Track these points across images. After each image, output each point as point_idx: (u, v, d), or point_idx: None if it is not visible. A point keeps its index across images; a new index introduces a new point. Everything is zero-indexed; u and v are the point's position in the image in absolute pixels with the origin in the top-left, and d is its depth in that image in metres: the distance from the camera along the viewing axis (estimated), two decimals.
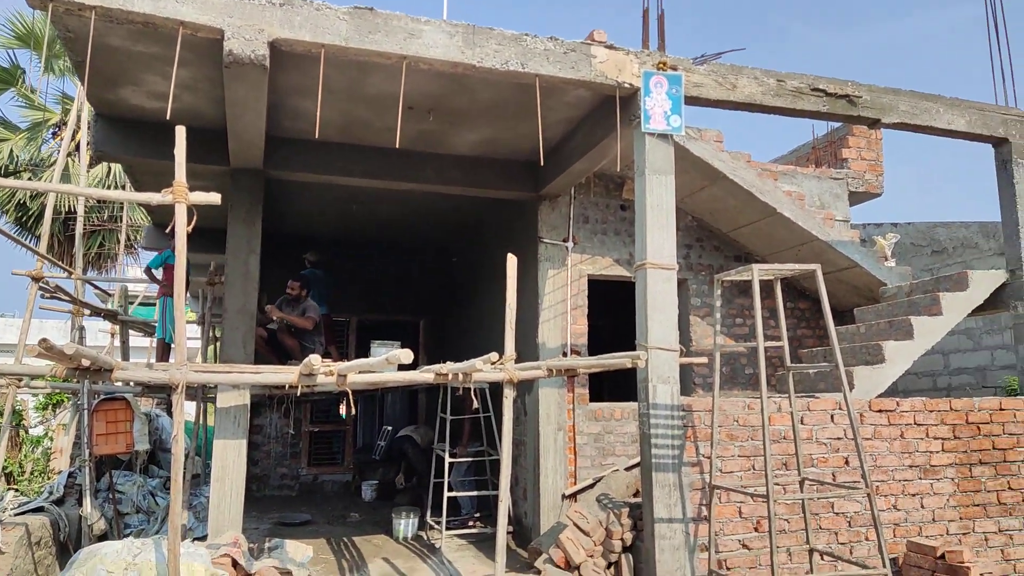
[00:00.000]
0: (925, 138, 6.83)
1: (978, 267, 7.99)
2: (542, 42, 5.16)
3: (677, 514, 4.85)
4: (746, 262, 7.74)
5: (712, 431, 4.75)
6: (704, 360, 5.94)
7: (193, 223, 4.30)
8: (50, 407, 13.28)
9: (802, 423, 5.26)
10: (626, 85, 5.35)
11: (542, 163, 5.95)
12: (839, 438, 5.40)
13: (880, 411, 5.57)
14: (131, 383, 7.06)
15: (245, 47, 4.47)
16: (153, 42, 4.80)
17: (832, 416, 5.41)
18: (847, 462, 5.38)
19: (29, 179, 13.50)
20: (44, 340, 3.39)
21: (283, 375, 4.64)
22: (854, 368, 5.91)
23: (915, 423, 5.65)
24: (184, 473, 7.34)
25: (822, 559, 5.05)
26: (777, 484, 5.05)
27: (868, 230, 10.32)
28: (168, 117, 4.76)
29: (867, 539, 5.32)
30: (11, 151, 14.21)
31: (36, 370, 4.30)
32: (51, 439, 11.76)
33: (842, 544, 5.25)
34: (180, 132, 4.19)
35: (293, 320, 7.74)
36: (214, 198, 4.28)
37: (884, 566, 4.22)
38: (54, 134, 14.80)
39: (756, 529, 5.06)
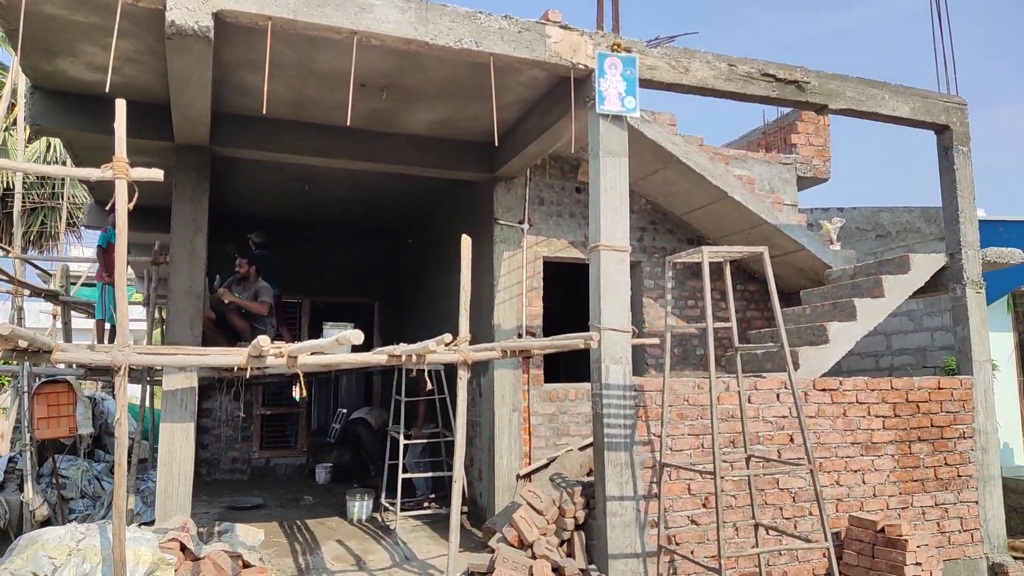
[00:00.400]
0: (872, 124, 6.99)
1: (920, 251, 8.24)
2: (496, 20, 5.11)
3: (628, 492, 4.93)
4: (699, 244, 7.83)
5: (663, 410, 4.82)
6: (656, 341, 6.03)
7: (135, 200, 4.16)
8: None
9: (749, 402, 5.39)
10: (581, 66, 5.34)
11: (496, 143, 5.91)
12: (784, 416, 5.54)
13: (824, 390, 5.73)
14: (72, 365, 6.86)
15: (188, 18, 4.32)
16: (91, 11, 4.60)
17: (778, 395, 5.54)
18: (792, 439, 5.53)
19: None
20: None
21: (231, 357, 4.54)
22: (799, 348, 6.06)
23: (857, 401, 5.83)
24: (130, 457, 7.20)
25: (767, 533, 5.20)
26: (725, 461, 5.17)
27: (815, 214, 10.55)
28: (108, 90, 4.59)
29: (811, 514, 5.48)
30: None
31: None
32: None
33: (787, 519, 5.40)
34: (120, 105, 4.04)
35: (246, 305, 7.59)
36: (156, 174, 4.14)
37: (826, 539, 4.36)
38: None
39: (704, 505, 5.18)
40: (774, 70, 5.97)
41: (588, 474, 6.33)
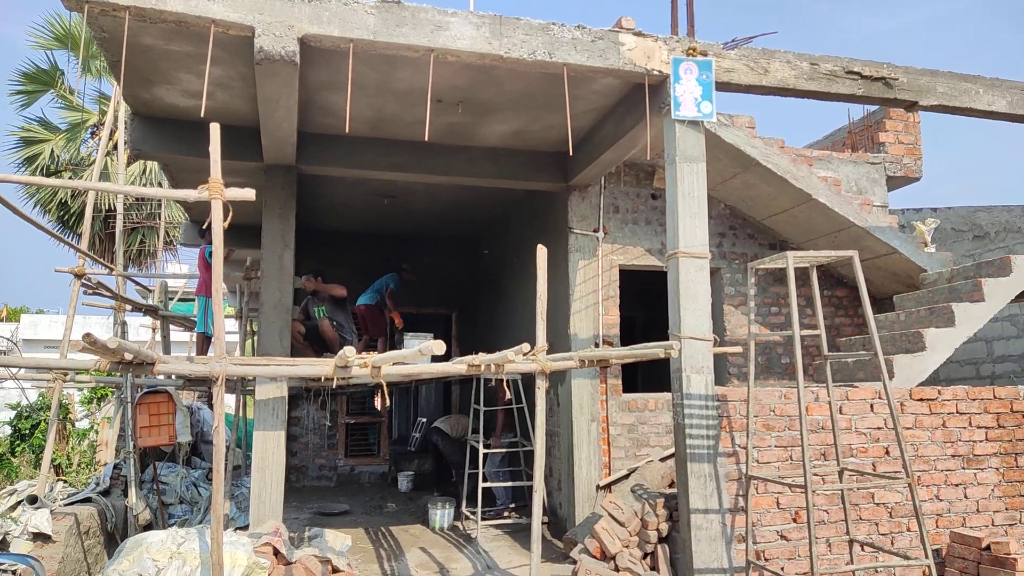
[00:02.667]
0: (965, 120, 6.63)
1: (1022, 252, 7.75)
2: (569, 31, 5.13)
3: (713, 504, 4.82)
4: (781, 250, 7.62)
5: (748, 421, 4.69)
6: (739, 349, 5.86)
7: (229, 219, 4.37)
8: (95, 401, 13.65)
9: (841, 413, 5.18)
10: (655, 72, 5.29)
11: (571, 153, 5.92)
12: (879, 428, 5.30)
13: (921, 400, 5.45)
14: (172, 376, 7.23)
15: (275, 44, 4.52)
16: (186, 41, 4.87)
17: (871, 405, 5.31)
18: (888, 452, 5.29)
19: (70, 178, 13.87)
20: (88, 335, 3.48)
21: (319, 367, 4.70)
22: (894, 356, 5.79)
23: (957, 412, 5.52)
24: (225, 464, 7.53)
25: (862, 550, 4.97)
26: (816, 474, 4.99)
27: (907, 215, 10.08)
28: (202, 115, 4.85)
29: (909, 530, 5.22)
30: (52, 151, 14.58)
31: (81, 364, 4.43)
32: (96, 432, 12.09)
33: (883, 535, 5.16)
34: (214, 129, 4.26)
35: (327, 289, 7.90)
36: (248, 194, 4.34)
37: (927, 557, 4.14)
38: (92, 134, 15.14)
39: (795, 520, 5.00)
40: (859, 67, 5.76)
41: (670, 486, 6.22)
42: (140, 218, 15.05)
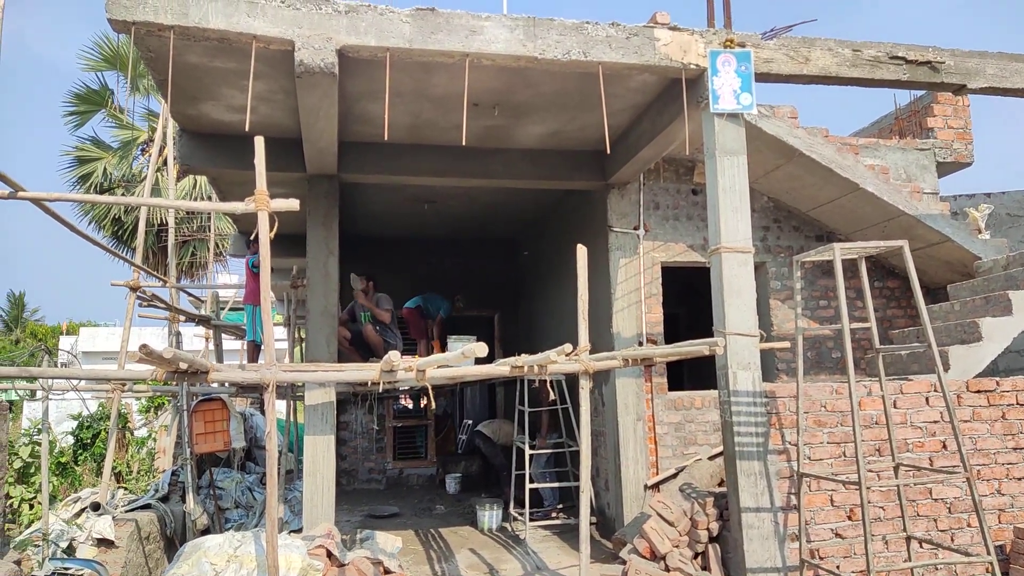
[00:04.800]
0: (1019, 101, 6.40)
1: None
2: (603, 29, 5.11)
3: (765, 503, 4.74)
4: (828, 241, 7.46)
5: (798, 417, 4.61)
6: (786, 345, 5.77)
7: (275, 229, 4.48)
8: (152, 409, 14.08)
9: (895, 407, 5.05)
10: (692, 66, 5.24)
11: (608, 151, 5.89)
12: (935, 421, 5.16)
13: (979, 392, 5.28)
14: (226, 384, 7.43)
15: (315, 56, 4.61)
16: (229, 57, 5.01)
17: (927, 399, 5.16)
18: (945, 446, 5.14)
19: (122, 195, 14.33)
20: (144, 346, 3.60)
21: (366, 372, 4.77)
22: (949, 348, 5.62)
23: (1018, 403, 5.33)
24: (278, 468, 7.70)
25: (920, 547, 4.84)
26: (870, 471, 4.87)
27: (959, 202, 9.77)
28: (247, 128, 4.97)
29: (969, 525, 5.06)
30: (104, 169, 15.10)
31: (138, 374, 4.57)
32: (154, 440, 12.47)
33: (942, 531, 5.01)
34: (259, 143, 4.36)
35: (373, 309, 8.01)
36: (293, 204, 4.44)
37: (988, 553, 4.00)
38: (143, 151, 15.62)
39: (849, 517, 4.89)
40: (903, 52, 5.61)
41: (719, 484, 6.14)
42: (191, 231, 15.48)
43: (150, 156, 14.31)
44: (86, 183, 15.21)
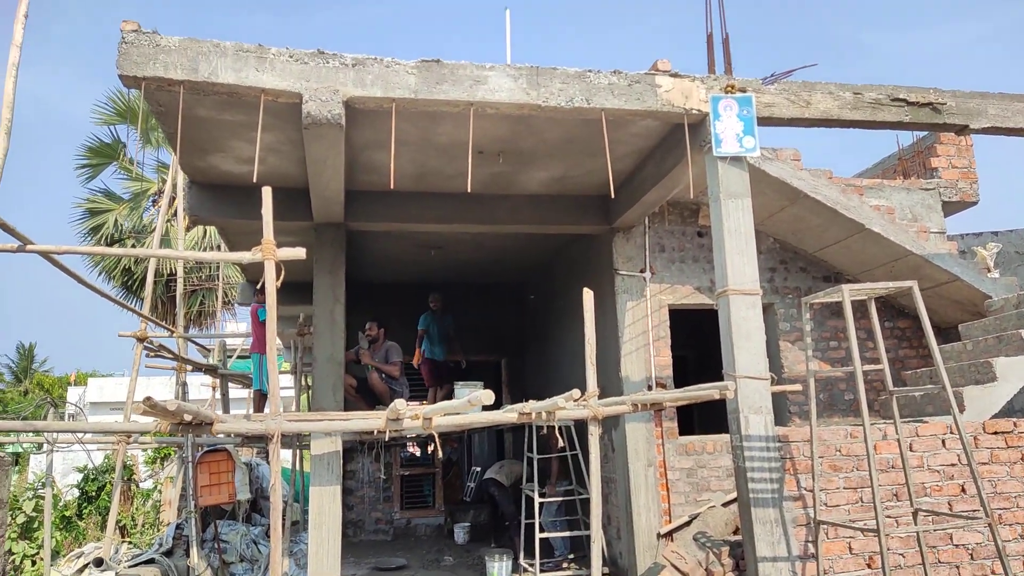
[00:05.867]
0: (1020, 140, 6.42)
1: None
2: (606, 76, 5.19)
3: (782, 552, 4.62)
4: (836, 282, 7.44)
5: (812, 462, 4.51)
6: (798, 387, 5.68)
7: (282, 278, 4.48)
8: (158, 461, 13.97)
9: (911, 450, 4.95)
10: (694, 111, 5.29)
11: (613, 195, 5.92)
12: (953, 464, 5.04)
13: (996, 433, 5.18)
14: (231, 435, 7.37)
15: (322, 108, 4.68)
16: (237, 110, 5.09)
17: (943, 441, 5.06)
18: (963, 490, 5.01)
19: (133, 246, 14.47)
20: (148, 398, 3.57)
21: (372, 421, 4.72)
22: (963, 388, 5.54)
23: None
24: (284, 520, 7.58)
25: None
26: (889, 516, 4.75)
27: (967, 240, 9.76)
28: (255, 179, 5.02)
29: (993, 572, 4.90)
30: (115, 220, 15.29)
31: (143, 427, 4.53)
32: (160, 492, 12.34)
33: None
34: (266, 193, 4.40)
35: (381, 367, 7.93)
36: (300, 253, 4.45)
37: None
38: (154, 202, 15.83)
39: (869, 566, 4.75)
40: (904, 94, 5.66)
41: (734, 532, 6.00)
42: (200, 280, 15.58)
43: (160, 207, 14.56)
44: (97, 234, 15.38)
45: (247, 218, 6.34)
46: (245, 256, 4.50)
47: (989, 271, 7.13)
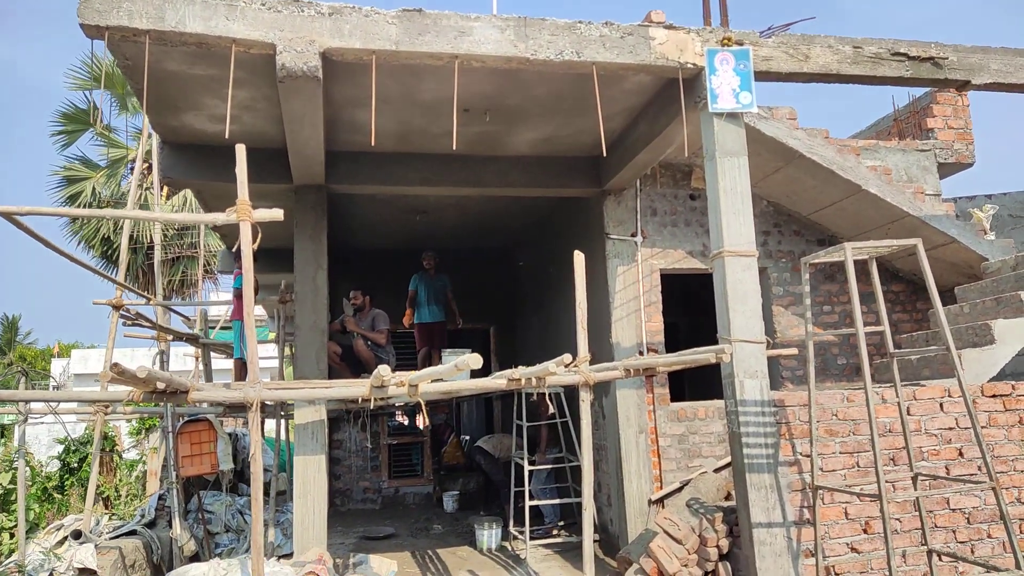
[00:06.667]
0: (1016, 102, 6.25)
1: None
2: (597, 28, 4.95)
3: (776, 518, 4.52)
4: (830, 245, 7.29)
5: (811, 427, 4.39)
6: (794, 351, 5.56)
7: (258, 241, 4.27)
8: (143, 431, 13.79)
9: (909, 414, 4.84)
10: (689, 66, 5.07)
11: (604, 154, 5.70)
12: (951, 428, 4.95)
13: (994, 396, 5.08)
14: (210, 404, 7.18)
15: (297, 60, 4.42)
16: (209, 64, 4.82)
17: (941, 404, 4.96)
18: (961, 453, 4.93)
19: (118, 222, 14.10)
20: (116, 365, 3.38)
21: (355, 388, 4.56)
22: (961, 351, 5.42)
23: None
24: (269, 490, 7.44)
25: (940, 560, 4.62)
26: (887, 481, 4.65)
27: (960, 204, 9.62)
28: (227, 136, 4.76)
29: (990, 536, 4.84)
30: (93, 188, 14.90)
31: (115, 395, 4.35)
32: (144, 463, 12.18)
33: (961, 543, 4.79)
34: (240, 150, 4.18)
35: (366, 334, 7.73)
36: (276, 214, 4.24)
37: (1018, 567, 3.79)
38: (132, 169, 15.43)
39: (865, 531, 4.67)
40: (905, 48, 5.46)
41: (726, 498, 5.92)
42: (181, 249, 15.26)
43: (137, 173, 14.17)
44: (75, 202, 14.99)
45: (223, 180, 6.07)
46: (219, 217, 4.29)
47: (985, 233, 7.00)
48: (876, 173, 6.69)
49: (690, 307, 9.99)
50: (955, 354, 3.97)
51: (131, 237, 14.14)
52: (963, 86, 5.68)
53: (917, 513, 4.51)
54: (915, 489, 4.33)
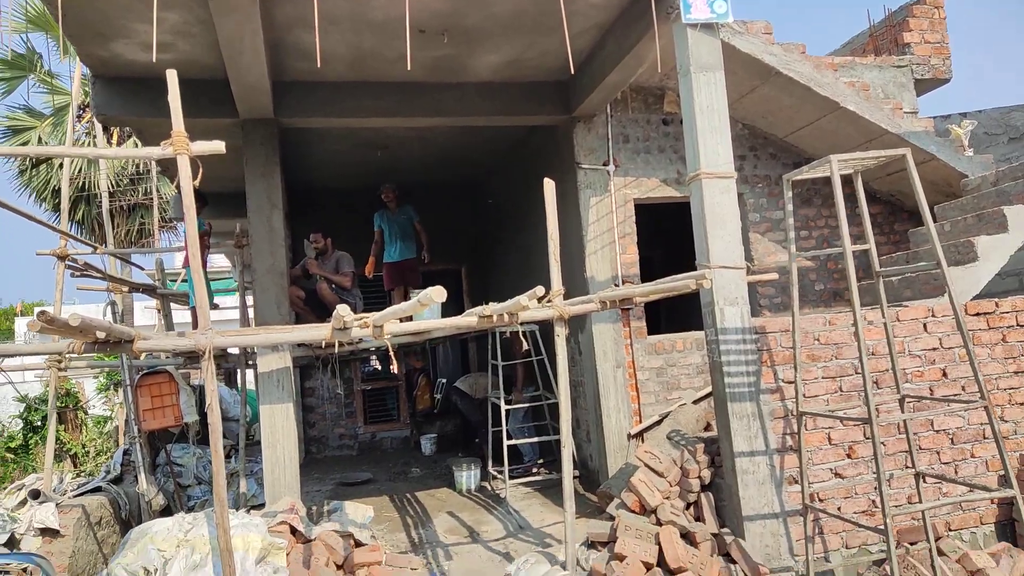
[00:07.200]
0: (987, 16, 5.97)
1: None
2: None
3: (759, 446, 4.40)
4: None
5: (795, 352, 4.22)
6: (773, 276, 5.39)
7: (199, 177, 3.92)
8: (112, 387, 13.44)
9: (893, 335, 4.70)
10: None
11: (572, 72, 5.32)
12: (934, 348, 4.83)
13: (978, 314, 4.96)
14: (160, 354, 6.87)
15: None
16: None
17: (924, 325, 4.83)
18: (944, 374, 4.82)
19: (60, 166, 13.42)
20: (43, 312, 3.07)
21: (316, 331, 4.29)
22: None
23: (1018, 324, 5.03)
24: (238, 442, 7.22)
25: (924, 481, 4.54)
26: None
27: (936, 123, 9.43)
28: (155, 60, 4.33)
29: (973, 456, 4.79)
30: (39, 138, 14.12)
31: (53, 347, 4.03)
32: (114, 419, 11.89)
33: (945, 464, 4.73)
34: (171, 76, 3.78)
35: (331, 276, 7.38)
36: (217, 146, 3.89)
37: (1011, 485, 3.69)
38: (79, 117, 14.61)
39: (849, 455, 4.57)
40: None
41: (706, 429, 5.82)
42: (136, 197, 14.62)
43: (88, 122, 13.39)
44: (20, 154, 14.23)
45: (162, 116, 5.53)
46: (154, 151, 3.92)
47: (964, 150, 6.81)
48: (854, 89, 6.41)
49: (663, 239, 9.78)
50: (945, 268, 3.79)
51: (82, 187, 13.56)
52: None
53: (903, 436, 4.41)
54: (902, 412, 4.21)
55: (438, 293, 3.13)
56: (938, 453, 4.71)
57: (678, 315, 9.19)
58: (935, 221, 6.29)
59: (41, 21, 13.75)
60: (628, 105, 6.88)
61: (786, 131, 6.95)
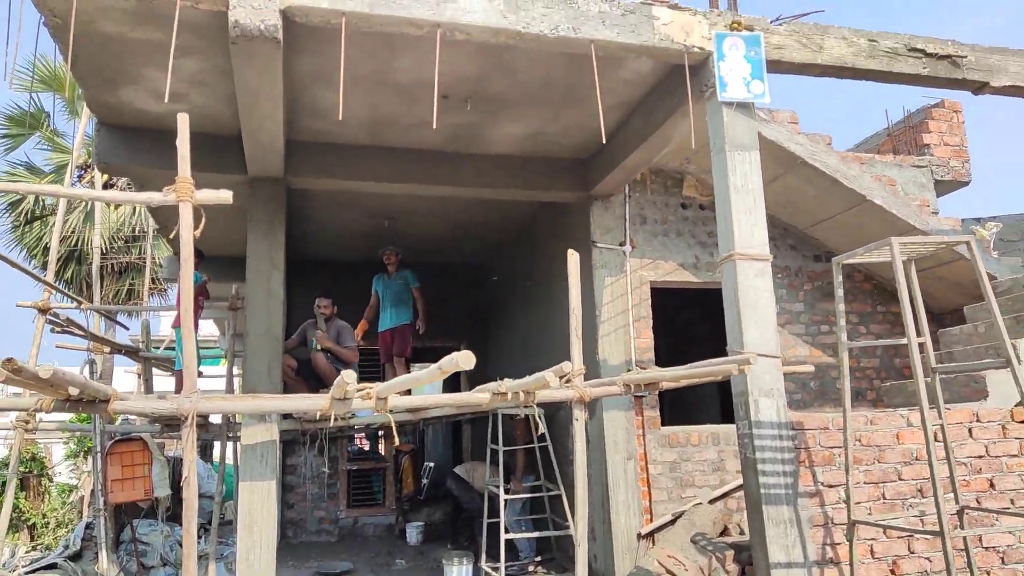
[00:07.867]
0: (1007, 119, 5.92)
1: None
2: (596, 3, 4.45)
3: (797, 556, 3.95)
4: (826, 261, 6.85)
5: (846, 450, 3.84)
6: (809, 369, 5.06)
7: (201, 227, 3.61)
8: (81, 454, 12.73)
9: (936, 440, 4.33)
10: (695, 49, 4.59)
11: (604, 142, 5.12)
12: (980, 456, 4.46)
13: None
14: (146, 420, 6.39)
15: (254, 17, 3.81)
16: (151, 26, 4.19)
17: (970, 430, 4.47)
18: (992, 485, 4.43)
19: (53, 224, 13.17)
20: (9, 360, 2.69)
21: (313, 401, 3.89)
22: (984, 373, 4.96)
23: None
24: (211, 520, 6.63)
25: None
26: (915, 516, 4.13)
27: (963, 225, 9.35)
28: (166, 101, 4.11)
29: None
30: (36, 196, 13.93)
31: (15, 403, 3.62)
32: (80, 489, 11.16)
33: None
34: (182, 120, 3.53)
35: (340, 353, 6.92)
36: (224, 195, 3.60)
37: None
38: (80, 176, 14.50)
39: (892, 572, 4.12)
40: (923, 44, 5.07)
41: (722, 532, 5.34)
42: (130, 258, 14.33)
43: (88, 181, 13.24)
44: (16, 210, 14.03)
45: (168, 168, 5.27)
46: (155, 197, 3.63)
47: (990, 251, 6.64)
48: (880, 184, 6.29)
49: (671, 328, 9.47)
50: (1014, 358, 3.46)
51: (75, 244, 13.27)
52: (980, 88, 5.31)
53: (954, 552, 3.97)
54: (961, 525, 3.79)
55: (465, 358, 2.77)
56: (988, 572, 4.26)
57: (683, 407, 8.77)
58: (965, 323, 6.03)
59: (51, 81, 13.86)
60: (647, 187, 6.71)
61: (808, 223, 6.78)
